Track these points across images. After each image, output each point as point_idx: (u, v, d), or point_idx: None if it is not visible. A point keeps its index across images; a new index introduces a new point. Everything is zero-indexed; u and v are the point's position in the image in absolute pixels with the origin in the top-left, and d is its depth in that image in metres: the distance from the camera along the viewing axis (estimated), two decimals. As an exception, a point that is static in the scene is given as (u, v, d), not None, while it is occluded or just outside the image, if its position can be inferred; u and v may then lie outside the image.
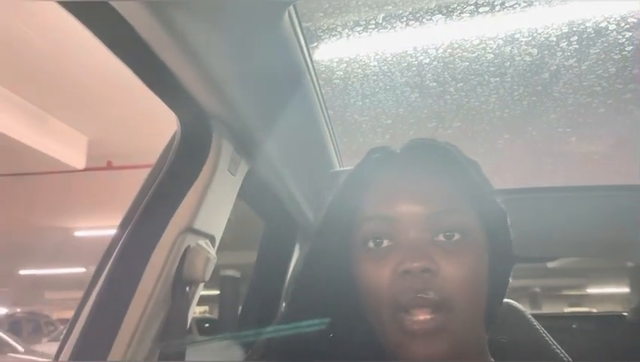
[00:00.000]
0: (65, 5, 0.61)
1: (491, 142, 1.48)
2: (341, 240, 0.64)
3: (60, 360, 0.81)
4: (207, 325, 10.61)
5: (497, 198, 0.67)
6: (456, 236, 0.57)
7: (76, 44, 2.59)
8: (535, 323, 0.91)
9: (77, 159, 4.11)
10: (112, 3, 0.61)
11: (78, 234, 6.37)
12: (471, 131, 1.41)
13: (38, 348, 7.77)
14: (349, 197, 0.65)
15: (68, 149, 3.99)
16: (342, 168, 1.38)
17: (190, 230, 0.85)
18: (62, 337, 0.90)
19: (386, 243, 0.58)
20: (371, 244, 0.59)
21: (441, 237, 0.57)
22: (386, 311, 0.56)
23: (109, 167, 4.56)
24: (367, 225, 0.60)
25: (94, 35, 0.65)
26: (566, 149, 1.56)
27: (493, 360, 0.65)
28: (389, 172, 0.63)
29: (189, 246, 0.85)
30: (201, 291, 0.93)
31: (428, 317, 0.54)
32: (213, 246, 0.93)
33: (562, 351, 0.86)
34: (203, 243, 0.89)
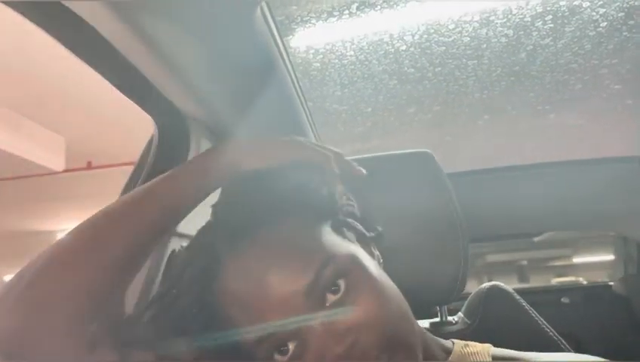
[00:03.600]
0: (17, 7, 0.58)
1: (472, 124, 1.48)
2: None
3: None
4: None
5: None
6: (341, 283, 0.51)
7: (46, 43, 2.52)
8: (523, 303, 0.92)
9: (55, 161, 4.04)
10: (66, 3, 0.56)
11: (61, 236, 6.29)
12: (451, 114, 1.41)
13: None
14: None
15: (45, 151, 3.92)
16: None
17: (174, 234, 0.83)
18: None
19: (291, 346, 0.50)
20: (278, 357, 0.51)
21: (331, 298, 0.50)
22: None
23: (89, 167, 4.50)
24: (259, 346, 0.51)
25: (53, 37, 0.62)
26: (546, 126, 1.57)
27: (452, 340, 0.65)
28: (228, 284, 0.53)
29: (173, 251, 0.84)
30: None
31: None
32: (198, 248, 0.92)
33: (550, 328, 0.87)
34: (187, 245, 0.88)
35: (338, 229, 0.57)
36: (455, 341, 0.64)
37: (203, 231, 0.59)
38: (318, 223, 0.55)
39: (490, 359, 0.60)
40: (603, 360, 0.53)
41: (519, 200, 1.97)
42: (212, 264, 0.54)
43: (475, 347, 0.62)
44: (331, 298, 0.50)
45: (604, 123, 1.57)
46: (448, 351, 0.62)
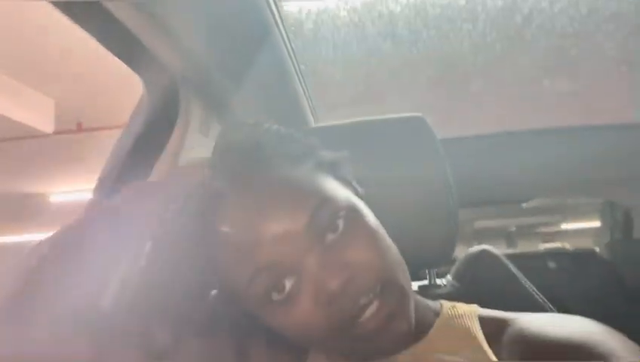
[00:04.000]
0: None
1: (465, 89, 1.48)
2: (236, 309, 0.56)
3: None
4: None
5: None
6: (340, 223, 0.52)
7: (35, 4, 2.47)
8: (511, 267, 0.93)
9: (45, 123, 3.99)
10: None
11: (53, 199, 6.28)
12: (444, 78, 1.40)
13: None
14: (212, 268, 0.55)
15: (35, 113, 3.87)
16: (316, 124, 1.36)
17: (164, 195, 0.84)
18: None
19: (288, 284, 0.51)
20: (275, 296, 0.51)
21: (330, 237, 0.52)
22: (333, 336, 0.52)
23: (80, 129, 4.45)
24: (256, 282, 0.51)
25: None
26: (539, 92, 1.57)
27: (440, 301, 0.66)
28: (229, 212, 0.52)
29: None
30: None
31: (374, 306, 0.50)
32: (190, 210, 0.92)
33: (537, 292, 0.89)
34: (179, 207, 0.88)
35: (336, 179, 0.58)
36: (443, 302, 0.65)
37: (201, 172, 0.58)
38: (316, 170, 0.56)
39: (477, 319, 0.61)
40: (588, 320, 0.54)
41: (509, 166, 1.98)
42: (210, 204, 0.53)
43: (462, 308, 0.63)
44: (330, 236, 0.52)
45: (599, 89, 1.57)
46: (436, 312, 0.63)
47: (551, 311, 0.86)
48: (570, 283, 1.99)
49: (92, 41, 0.72)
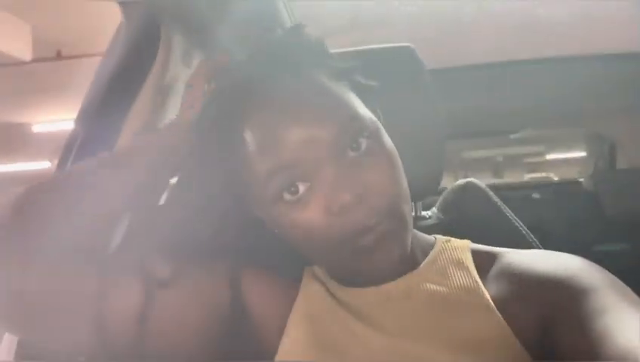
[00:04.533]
0: None
1: (457, 19, 1.43)
2: (245, 204, 0.59)
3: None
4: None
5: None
6: (363, 142, 0.54)
7: None
8: (496, 200, 0.94)
9: (22, 50, 3.85)
10: None
11: (36, 128, 6.19)
12: (435, 6, 1.35)
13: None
14: (229, 157, 0.57)
15: (11, 40, 3.72)
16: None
17: (147, 128, 0.82)
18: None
19: (302, 187, 0.53)
20: (287, 196, 0.53)
21: (350, 154, 0.53)
22: (337, 249, 0.54)
23: (59, 57, 4.30)
24: (273, 179, 0.53)
25: None
26: (532, 22, 1.53)
27: (435, 235, 0.67)
28: (259, 106, 0.54)
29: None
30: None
31: (379, 230, 0.52)
32: (175, 142, 0.91)
33: (521, 224, 0.90)
34: (163, 140, 0.86)
35: (364, 102, 0.59)
36: (437, 236, 0.66)
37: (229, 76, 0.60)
38: (349, 89, 0.58)
39: (469, 251, 0.62)
40: (574, 256, 0.55)
41: (498, 97, 1.97)
42: (238, 100, 0.56)
43: (455, 242, 0.65)
44: (350, 153, 0.53)
45: (594, 19, 1.53)
46: (431, 245, 0.65)
47: (533, 242, 0.88)
48: (554, 212, 2.04)
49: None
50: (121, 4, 0.79)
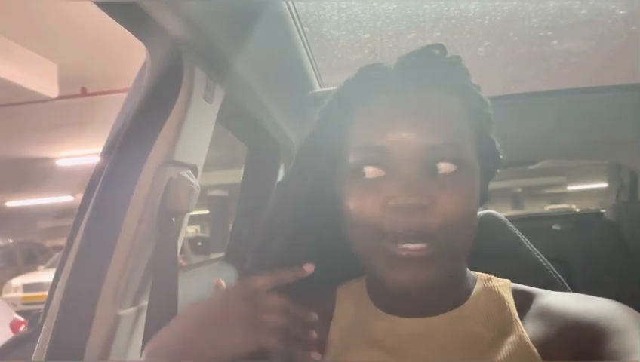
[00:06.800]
0: None
1: (472, 51, 1.45)
2: (326, 163, 0.61)
3: (57, 288, 0.82)
4: (199, 243, 10.91)
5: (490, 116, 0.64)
6: (453, 168, 0.54)
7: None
8: (515, 231, 0.93)
9: (49, 87, 3.98)
10: None
11: (60, 163, 6.32)
12: (451, 40, 1.37)
13: (35, 277, 7.91)
14: (337, 119, 0.61)
15: (38, 78, 3.85)
16: (322, 88, 1.35)
17: (170, 162, 0.84)
18: (58, 264, 0.92)
19: (378, 173, 0.55)
20: (367, 170, 0.56)
21: (437, 170, 0.54)
22: (373, 241, 0.55)
23: (84, 93, 4.43)
24: (358, 153, 0.56)
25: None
26: (547, 53, 1.54)
27: (475, 272, 0.67)
28: (383, 93, 0.58)
29: (170, 178, 0.85)
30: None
31: (418, 246, 0.52)
32: (196, 176, 0.93)
33: (541, 255, 0.89)
34: (185, 173, 0.88)
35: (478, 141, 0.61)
36: (477, 273, 0.66)
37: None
38: (472, 123, 0.60)
39: (511, 294, 0.62)
40: (610, 300, 0.55)
41: (516, 127, 1.96)
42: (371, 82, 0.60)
43: (497, 281, 0.65)
44: (438, 169, 0.54)
45: (608, 50, 1.54)
46: (474, 280, 0.65)
47: (553, 273, 0.87)
48: (575, 244, 2.00)
49: (95, 7, 0.71)
50: (145, 41, 0.82)
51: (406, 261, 0.53)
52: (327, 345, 0.62)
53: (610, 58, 1.57)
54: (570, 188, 8.67)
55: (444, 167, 0.54)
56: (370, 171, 0.55)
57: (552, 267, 0.86)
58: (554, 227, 2.11)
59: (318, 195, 0.62)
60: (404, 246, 0.52)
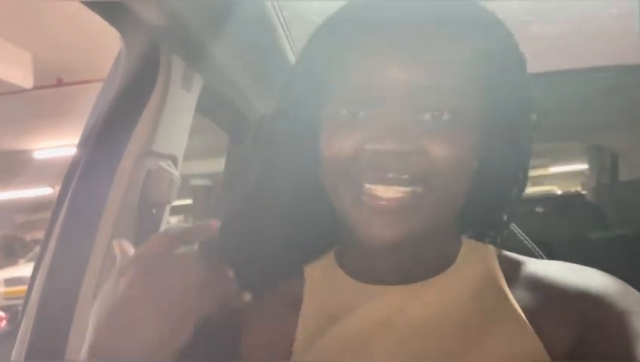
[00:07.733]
0: None
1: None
2: (310, 99, 0.54)
3: (36, 284, 0.80)
4: (183, 233, 10.83)
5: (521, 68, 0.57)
6: (446, 116, 0.48)
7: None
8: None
9: (23, 77, 3.88)
10: None
11: (38, 155, 6.21)
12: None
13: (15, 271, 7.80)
14: (323, 50, 0.54)
15: (12, 68, 3.75)
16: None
17: (149, 153, 0.82)
18: (36, 259, 0.90)
19: (362, 114, 0.49)
20: (344, 112, 0.50)
21: (426, 116, 0.48)
22: (346, 185, 0.50)
23: (60, 83, 4.34)
24: (342, 91, 0.50)
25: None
26: (528, 37, 1.53)
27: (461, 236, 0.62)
28: (373, 25, 0.50)
29: (150, 170, 0.83)
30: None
31: (397, 195, 0.48)
32: (176, 166, 0.91)
33: (526, 237, 0.90)
34: (164, 164, 0.86)
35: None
36: (464, 237, 0.61)
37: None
38: (477, 72, 0.52)
39: (497, 261, 0.58)
40: (607, 275, 0.54)
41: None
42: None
43: (482, 246, 0.60)
44: (427, 117, 0.48)
45: (588, 33, 1.54)
46: (459, 243, 0.60)
47: (539, 254, 0.87)
48: (557, 226, 2.02)
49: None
50: (120, 30, 0.79)
51: (383, 210, 0.48)
52: (298, 328, 0.56)
53: (590, 40, 1.57)
54: (553, 170, 8.77)
55: (435, 113, 0.48)
56: (354, 111, 0.50)
57: (537, 248, 0.86)
58: (537, 209, 2.13)
59: (299, 140, 0.56)
60: (382, 195, 0.48)
